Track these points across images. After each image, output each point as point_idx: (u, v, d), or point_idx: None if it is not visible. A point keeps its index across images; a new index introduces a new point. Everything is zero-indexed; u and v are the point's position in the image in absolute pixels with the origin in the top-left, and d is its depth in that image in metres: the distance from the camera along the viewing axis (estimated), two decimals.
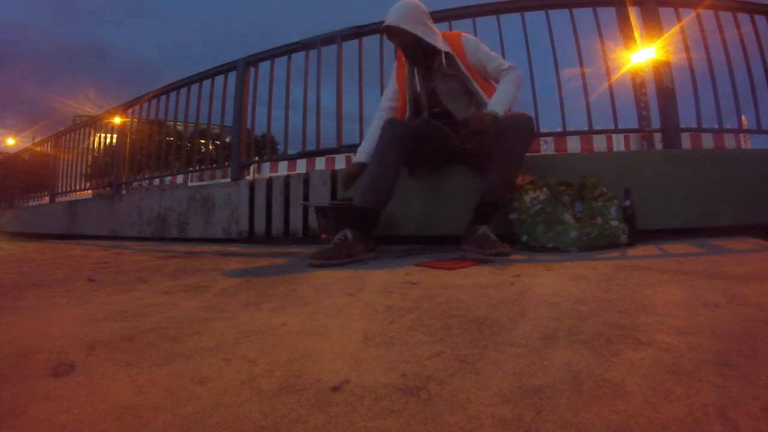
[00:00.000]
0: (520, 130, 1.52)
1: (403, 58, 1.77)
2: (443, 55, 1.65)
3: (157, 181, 4.07)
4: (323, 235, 1.79)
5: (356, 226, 1.50)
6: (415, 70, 1.74)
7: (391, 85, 1.89)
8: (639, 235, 1.59)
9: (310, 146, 2.51)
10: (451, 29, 2.20)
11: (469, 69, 1.69)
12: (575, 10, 2.16)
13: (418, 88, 1.75)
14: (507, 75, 1.68)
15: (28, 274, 1.45)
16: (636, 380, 0.45)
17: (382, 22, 1.69)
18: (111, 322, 0.77)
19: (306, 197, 2.23)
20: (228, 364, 0.55)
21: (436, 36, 1.68)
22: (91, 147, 4.33)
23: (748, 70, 2.15)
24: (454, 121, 1.71)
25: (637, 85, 2.33)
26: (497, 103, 1.57)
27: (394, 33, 1.67)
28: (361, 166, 1.73)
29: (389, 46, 2.28)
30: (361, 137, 2.33)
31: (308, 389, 0.46)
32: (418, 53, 1.68)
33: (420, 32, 1.63)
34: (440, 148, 1.73)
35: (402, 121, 1.69)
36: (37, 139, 6.05)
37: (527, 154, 1.64)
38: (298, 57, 2.56)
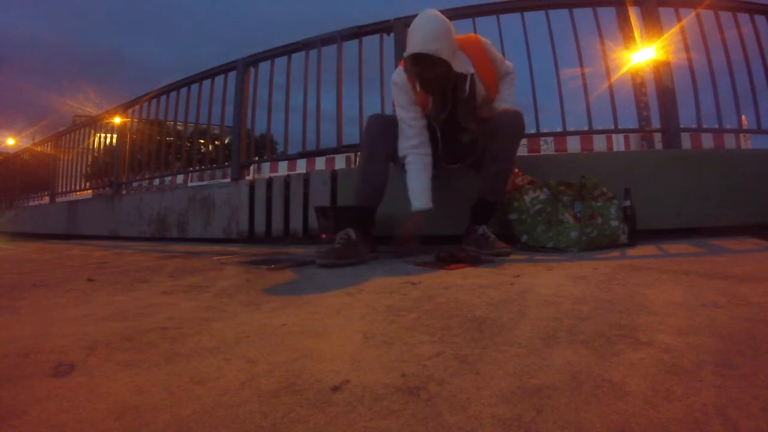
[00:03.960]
0: (512, 126, 1.51)
1: (418, 88, 1.47)
2: (468, 79, 1.44)
3: (157, 181, 4.07)
4: (323, 236, 1.79)
5: (358, 225, 1.50)
6: (444, 101, 1.52)
7: (412, 115, 1.54)
8: (639, 235, 1.59)
9: (310, 146, 2.51)
10: None
11: (490, 78, 1.53)
12: (575, 10, 2.16)
13: (434, 115, 1.55)
14: (509, 79, 1.67)
15: (28, 275, 1.45)
16: (636, 380, 0.45)
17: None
18: (111, 322, 0.77)
19: (306, 197, 2.24)
20: (228, 364, 0.55)
21: (461, 55, 1.46)
22: (91, 147, 4.33)
23: (748, 70, 2.15)
24: (451, 139, 1.61)
25: (637, 85, 2.33)
26: (501, 102, 1.59)
27: (426, 63, 1.36)
28: (420, 213, 1.51)
29: (389, 46, 2.29)
30: (361, 138, 2.33)
31: (308, 389, 0.46)
32: (447, 86, 1.45)
33: (451, 58, 1.38)
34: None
35: (382, 116, 1.66)
36: (37, 139, 6.04)
37: (528, 154, 1.64)
38: (298, 57, 2.56)
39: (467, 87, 1.44)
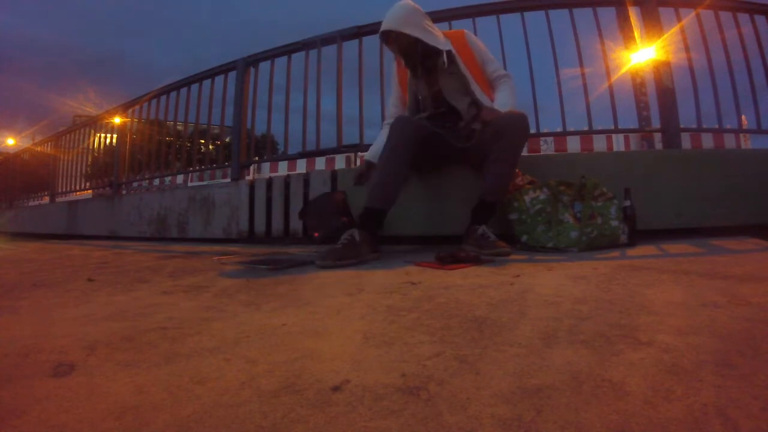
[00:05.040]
0: (516, 129, 1.51)
1: (402, 63, 1.74)
2: (444, 54, 1.62)
3: (157, 181, 4.07)
4: (314, 234, 1.79)
5: (364, 226, 1.49)
6: (417, 73, 1.73)
7: (394, 92, 1.87)
8: (639, 235, 1.59)
9: (310, 146, 2.51)
10: (451, 29, 2.20)
11: (472, 67, 1.68)
12: (575, 10, 2.16)
13: (423, 92, 1.74)
14: (506, 83, 1.71)
15: (28, 275, 1.45)
16: (636, 380, 0.45)
17: (382, 22, 1.67)
18: (111, 322, 0.77)
19: (306, 197, 2.24)
20: (228, 364, 0.55)
21: (437, 36, 1.66)
22: (91, 147, 4.33)
23: (748, 70, 2.14)
24: (455, 121, 1.71)
25: (637, 85, 2.33)
26: (502, 105, 1.60)
27: (392, 38, 1.64)
28: (371, 166, 1.77)
29: None
30: (362, 138, 2.33)
31: (308, 389, 0.46)
32: (417, 57, 1.65)
33: (419, 34, 1.59)
34: (439, 149, 1.73)
35: (411, 119, 1.68)
36: (37, 139, 6.04)
37: (528, 154, 1.65)
38: (298, 57, 2.56)
39: (445, 60, 1.63)
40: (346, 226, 1.71)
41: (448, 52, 1.64)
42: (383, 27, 1.62)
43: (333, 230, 1.67)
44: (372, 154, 1.81)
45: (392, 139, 1.56)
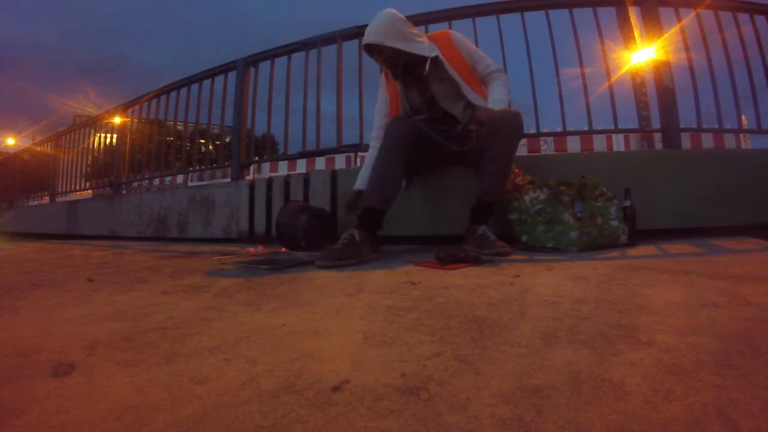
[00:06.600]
0: (510, 127, 1.51)
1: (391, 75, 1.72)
2: (428, 62, 1.59)
3: (157, 181, 4.07)
4: (283, 249, 1.81)
5: (364, 226, 1.50)
6: (404, 82, 1.69)
7: (382, 103, 1.81)
8: (639, 235, 1.59)
9: (310, 146, 2.51)
10: (451, 29, 2.20)
11: (461, 68, 1.65)
12: (575, 10, 2.16)
13: (417, 100, 1.71)
14: (498, 78, 1.69)
15: (28, 274, 1.45)
16: (636, 380, 0.45)
17: (365, 34, 1.65)
18: (111, 322, 0.77)
19: (306, 197, 2.23)
20: (228, 364, 0.55)
21: (420, 43, 1.61)
22: (91, 147, 4.33)
23: (748, 70, 2.15)
24: (452, 125, 1.70)
25: (637, 85, 2.33)
26: (496, 102, 1.59)
27: (376, 50, 1.63)
28: (361, 194, 1.69)
29: None
30: (362, 138, 2.33)
31: (308, 389, 0.46)
32: (400, 67, 1.63)
33: (402, 45, 1.57)
34: (436, 150, 1.71)
35: (405, 120, 1.66)
36: (37, 139, 6.04)
37: (528, 154, 1.64)
38: (298, 57, 2.56)
39: (427, 66, 1.59)
40: (316, 213, 1.80)
41: (433, 59, 1.60)
42: (365, 41, 1.60)
43: (306, 226, 1.73)
44: (362, 181, 1.70)
45: (387, 139, 1.57)
